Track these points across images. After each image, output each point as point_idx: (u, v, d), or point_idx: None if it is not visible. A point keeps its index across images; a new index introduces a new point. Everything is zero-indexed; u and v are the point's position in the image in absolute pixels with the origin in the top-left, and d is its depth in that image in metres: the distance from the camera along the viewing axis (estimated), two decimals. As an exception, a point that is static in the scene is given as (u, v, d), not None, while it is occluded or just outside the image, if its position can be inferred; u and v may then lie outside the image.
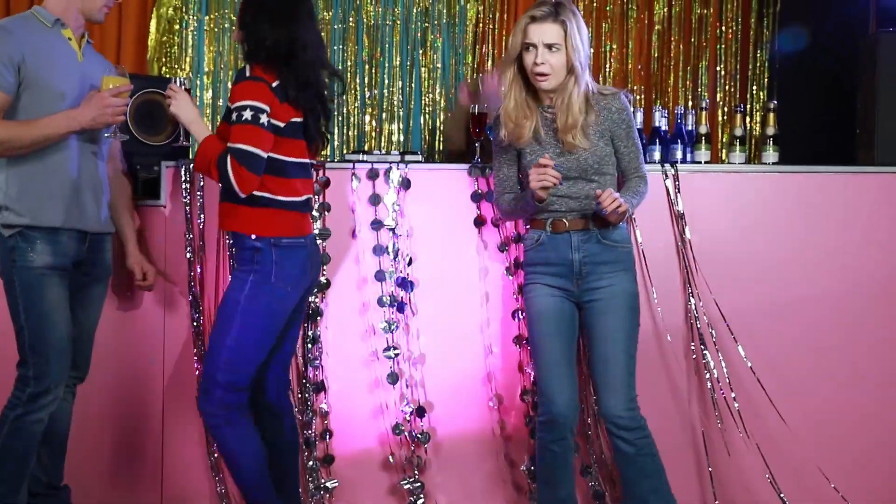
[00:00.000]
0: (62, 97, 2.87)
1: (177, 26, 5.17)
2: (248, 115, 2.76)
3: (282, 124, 2.82)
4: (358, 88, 5.24)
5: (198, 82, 5.10)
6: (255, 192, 2.83)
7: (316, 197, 3.34)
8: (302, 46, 2.83)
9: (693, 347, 3.44)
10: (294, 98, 2.82)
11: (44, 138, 2.81)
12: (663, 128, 3.72)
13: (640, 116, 3.73)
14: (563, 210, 2.95)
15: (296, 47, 2.82)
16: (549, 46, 2.88)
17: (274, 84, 2.79)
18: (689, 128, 3.72)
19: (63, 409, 3.04)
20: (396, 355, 3.41)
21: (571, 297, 2.95)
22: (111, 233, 3.09)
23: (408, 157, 3.46)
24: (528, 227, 3.06)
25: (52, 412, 2.96)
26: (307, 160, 2.96)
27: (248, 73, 2.80)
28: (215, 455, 3.34)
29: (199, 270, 3.36)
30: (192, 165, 3.27)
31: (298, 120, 2.87)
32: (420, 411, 3.41)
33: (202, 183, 3.34)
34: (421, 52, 5.23)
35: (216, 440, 2.97)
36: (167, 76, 4.97)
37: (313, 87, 2.87)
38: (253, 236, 2.85)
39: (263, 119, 2.77)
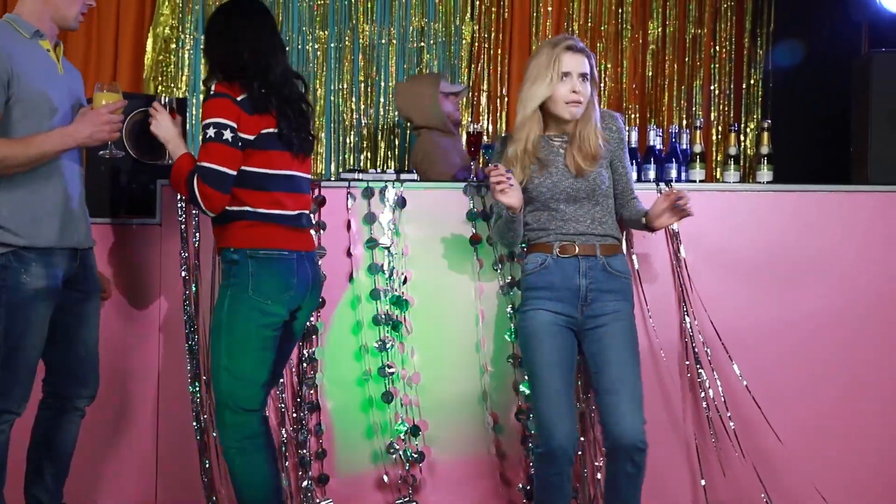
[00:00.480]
0: (54, 112, 2.81)
1: (173, 45, 5.18)
2: (211, 132, 2.76)
3: (251, 137, 2.80)
4: (354, 107, 5.26)
5: (193, 101, 5.11)
6: (233, 207, 2.82)
7: (312, 215, 3.34)
8: (250, 56, 2.82)
9: (688, 365, 3.44)
10: (262, 108, 2.80)
11: (41, 156, 2.76)
12: (658, 147, 3.74)
13: (634, 135, 3.74)
14: (572, 234, 2.93)
15: (245, 58, 2.82)
16: (583, 76, 2.91)
17: (239, 98, 2.79)
18: (684, 147, 3.74)
19: (70, 430, 3.02)
20: (391, 374, 3.40)
21: (573, 324, 2.92)
22: (93, 247, 3.06)
23: (403, 176, 3.46)
24: (524, 247, 3.04)
25: (59, 432, 2.96)
26: (295, 172, 2.91)
27: (212, 91, 2.81)
28: (209, 470, 3.33)
29: (193, 289, 3.35)
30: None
31: (271, 130, 2.84)
32: (414, 430, 3.40)
33: (197, 201, 3.34)
34: (417, 71, 5.24)
35: (227, 465, 2.93)
36: (163, 95, 4.98)
37: (276, 94, 2.85)
38: (231, 249, 2.85)
39: (227, 135, 2.76)
